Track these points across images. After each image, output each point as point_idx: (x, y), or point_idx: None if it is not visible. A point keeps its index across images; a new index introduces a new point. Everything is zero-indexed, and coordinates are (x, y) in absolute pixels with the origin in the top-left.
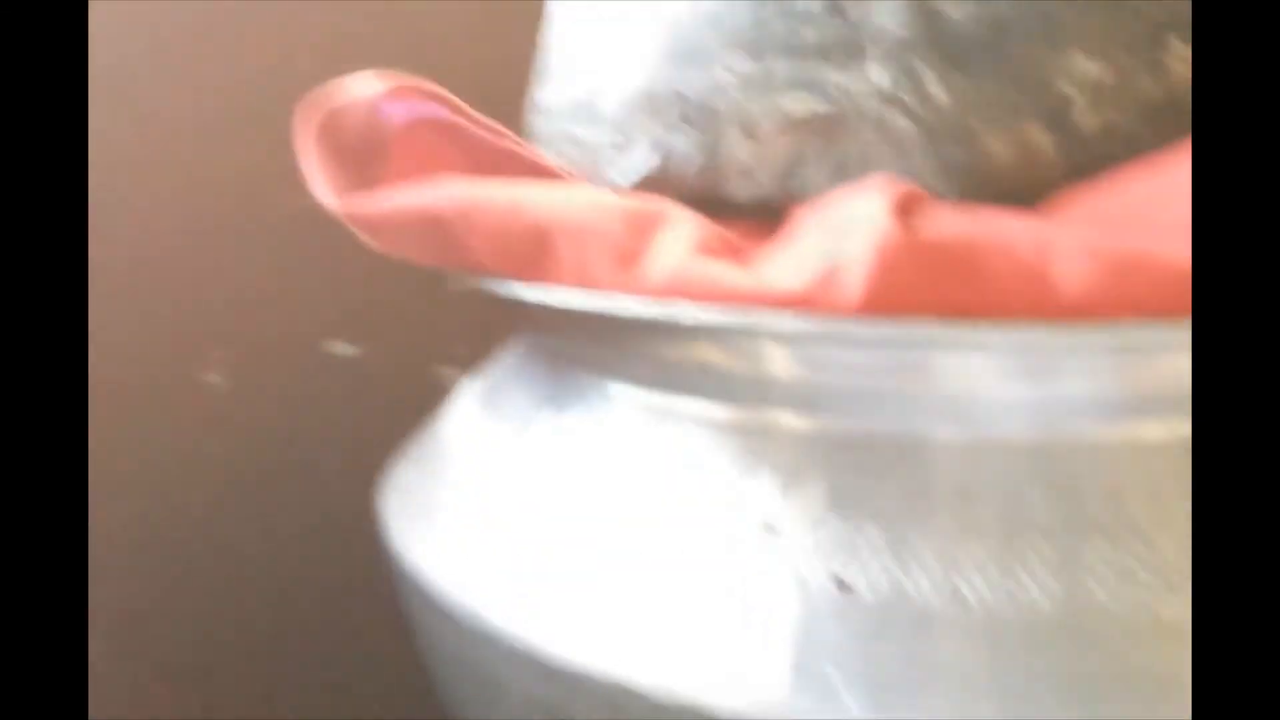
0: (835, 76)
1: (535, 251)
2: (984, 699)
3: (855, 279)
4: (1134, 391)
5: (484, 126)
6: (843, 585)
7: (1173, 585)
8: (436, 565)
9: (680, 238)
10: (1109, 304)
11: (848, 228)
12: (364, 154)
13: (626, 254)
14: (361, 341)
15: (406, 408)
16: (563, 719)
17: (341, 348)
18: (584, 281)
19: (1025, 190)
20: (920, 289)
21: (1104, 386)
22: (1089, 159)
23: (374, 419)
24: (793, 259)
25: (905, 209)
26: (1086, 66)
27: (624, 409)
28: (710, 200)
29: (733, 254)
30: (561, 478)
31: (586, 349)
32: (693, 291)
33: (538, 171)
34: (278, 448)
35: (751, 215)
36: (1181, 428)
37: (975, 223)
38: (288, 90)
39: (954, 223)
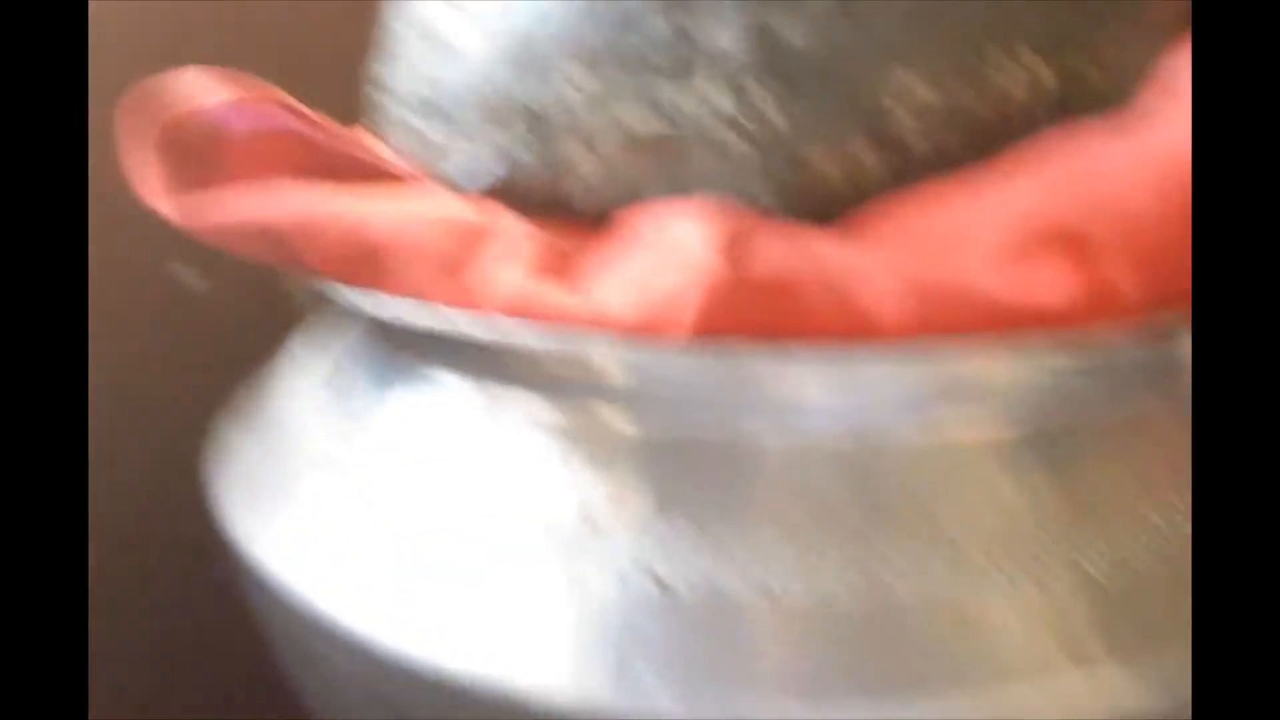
0: (676, 97)
1: (369, 265)
2: (791, 692)
3: (685, 311)
4: (937, 397)
5: (325, 130)
6: (661, 584)
7: (964, 575)
8: (270, 551)
9: (512, 254)
10: (918, 329)
11: (678, 255)
12: (203, 161)
13: (450, 268)
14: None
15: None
16: (401, 715)
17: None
18: (415, 295)
19: (851, 206)
20: (744, 320)
21: (909, 394)
22: (916, 178)
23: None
24: (625, 285)
25: (733, 236)
26: (914, 86)
27: (458, 400)
28: (554, 209)
29: (565, 269)
30: (396, 466)
31: (424, 341)
32: (527, 311)
33: (381, 176)
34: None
35: (594, 222)
36: (978, 430)
37: (797, 254)
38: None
39: (777, 255)
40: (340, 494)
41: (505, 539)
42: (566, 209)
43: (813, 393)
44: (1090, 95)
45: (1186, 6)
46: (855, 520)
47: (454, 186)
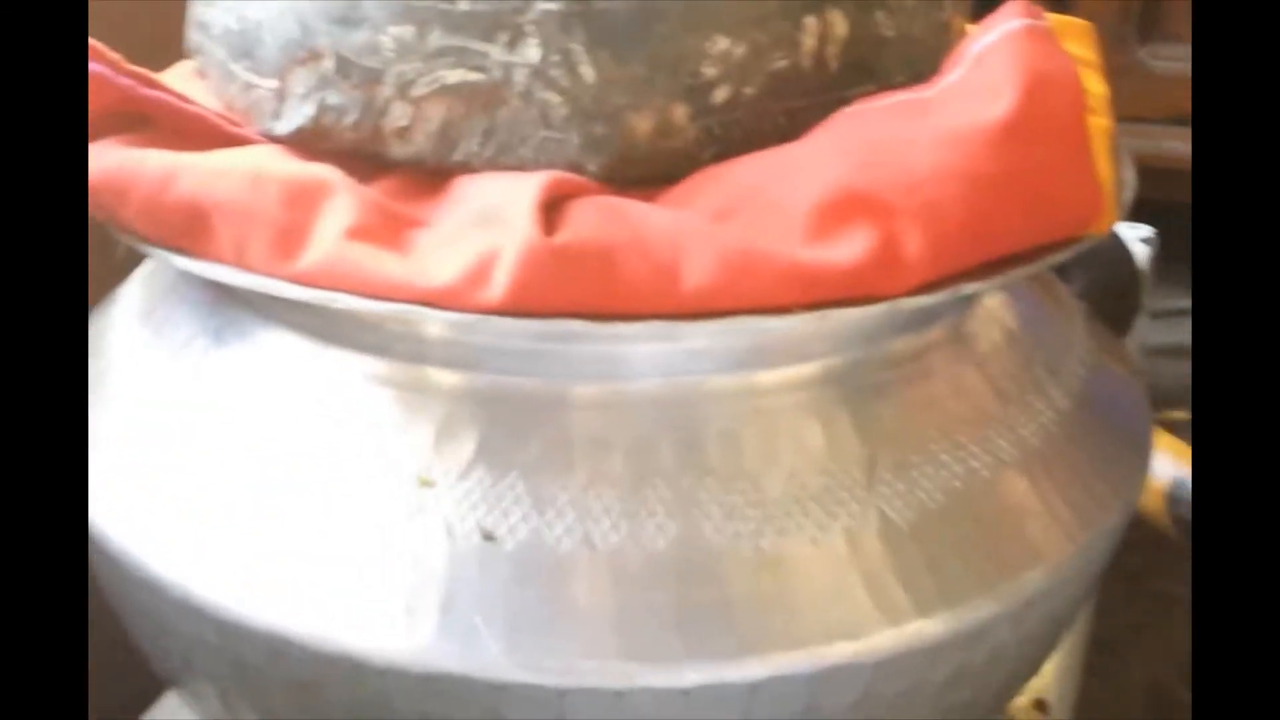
0: (488, 48)
1: (191, 226)
2: (609, 634)
3: (501, 279)
4: (745, 354)
5: (131, 74)
6: (487, 534)
7: (772, 519)
8: (95, 501)
9: (338, 218)
10: (729, 296)
11: (498, 223)
12: None
13: (286, 235)
14: None
15: None
16: (230, 660)
17: None
18: (242, 260)
19: (665, 164)
20: (561, 287)
21: (719, 353)
22: (722, 131)
23: None
24: (445, 252)
25: (553, 203)
26: (725, 46)
27: (283, 351)
28: (367, 156)
29: (390, 231)
30: (219, 417)
31: (251, 298)
32: (349, 279)
33: (192, 123)
34: None
35: (409, 171)
36: (784, 381)
37: (615, 222)
38: None
39: (595, 223)
40: (172, 448)
41: (334, 492)
42: (384, 158)
43: (627, 352)
44: (877, 41)
45: None
46: (671, 468)
47: (265, 126)
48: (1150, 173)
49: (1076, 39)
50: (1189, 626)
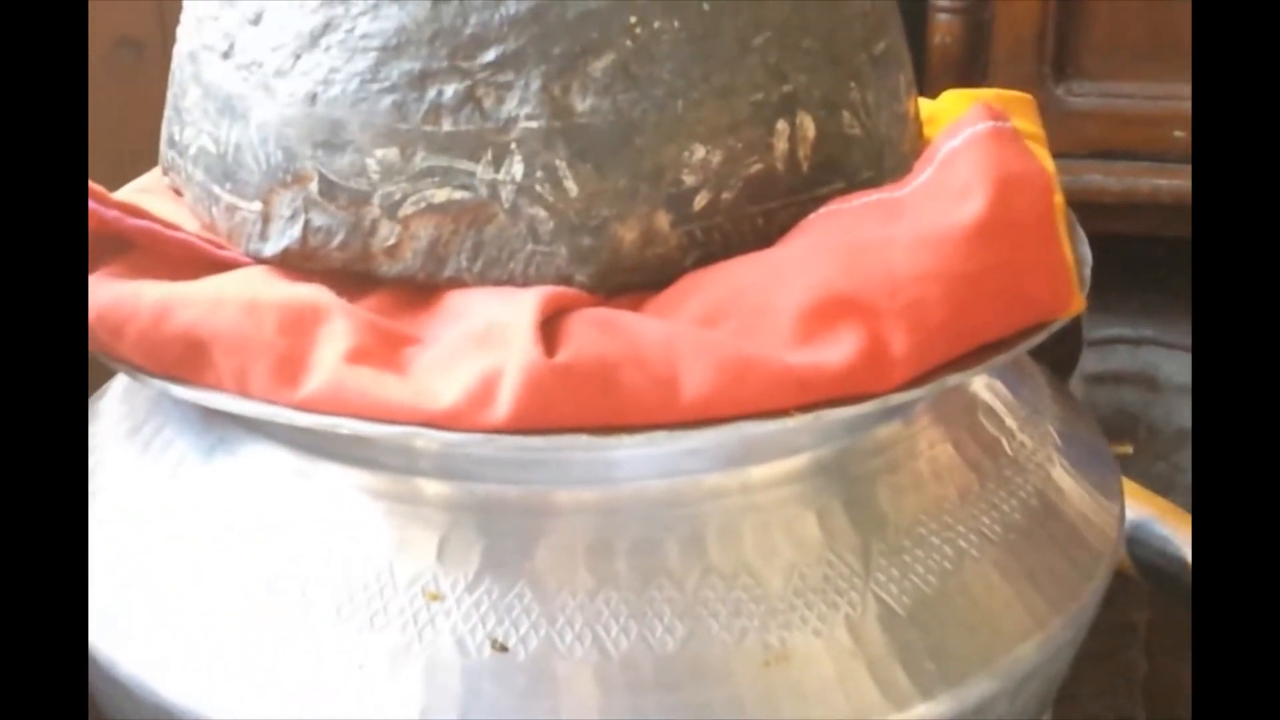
0: (473, 167)
1: (189, 356)
2: None
3: (505, 399)
4: (741, 456)
5: (116, 206)
6: (499, 646)
7: (776, 613)
8: (94, 624)
9: (336, 342)
10: (726, 402)
11: (498, 342)
12: None
13: (286, 362)
14: None
15: None
16: None
17: None
18: (244, 388)
19: (650, 271)
20: (563, 404)
21: (715, 456)
22: (704, 236)
23: None
24: (446, 372)
25: (551, 320)
26: (702, 155)
27: (275, 467)
28: (355, 274)
29: (387, 351)
30: (216, 537)
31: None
32: (350, 403)
33: (179, 250)
34: None
35: (397, 286)
36: (780, 466)
37: (612, 336)
38: None
39: (593, 339)
40: (171, 568)
41: (341, 609)
42: (372, 276)
43: (625, 456)
44: (844, 140)
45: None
46: (675, 568)
47: (251, 248)
48: (1073, 206)
49: (1022, 114)
50: (1147, 655)
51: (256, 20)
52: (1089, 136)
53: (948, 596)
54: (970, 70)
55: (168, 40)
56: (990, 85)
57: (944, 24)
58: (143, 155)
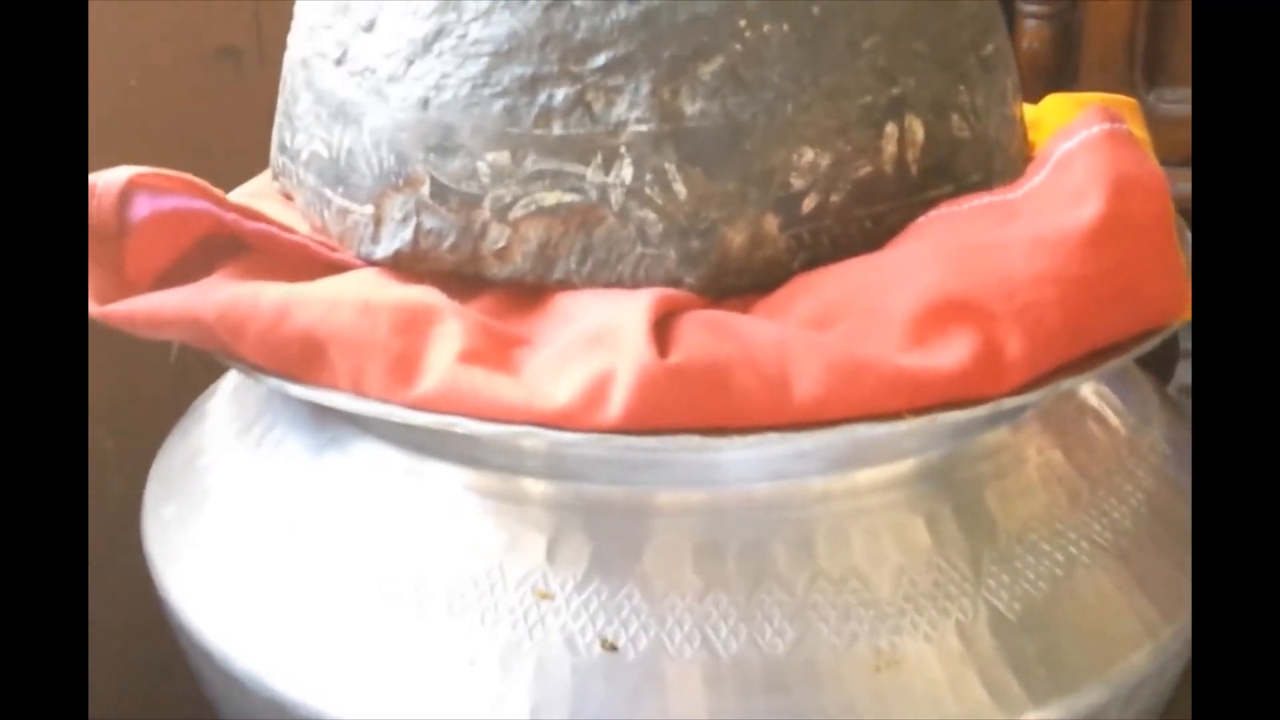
0: (583, 170)
1: (307, 356)
2: None
3: (618, 399)
4: (850, 459)
5: (235, 210)
6: (609, 645)
7: (886, 618)
8: (200, 612)
9: (449, 343)
10: (838, 404)
11: (610, 343)
12: (107, 244)
13: (400, 362)
14: None
15: None
16: None
17: None
18: (359, 388)
19: (758, 274)
20: (675, 406)
21: (825, 459)
22: (811, 239)
23: None
24: (559, 374)
25: (663, 321)
26: (811, 157)
27: (385, 465)
28: (465, 276)
29: (499, 352)
30: (331, 534)
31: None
32: (465, 403)
33: (294, 253)
34: None
35: (506, 289)
36: (889, 470)
37: (723, 338)
38: None
39: (705, 340)
40: (288, 566)
41: (452, 606)
42: (482, 278)
43: (734, 458)
44: (953, 143)
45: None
46: (784, 571)
47: (363, 251)
48: None
49: (1130, 118)
50: None
51: (370, 27)
52: (1180, 143)
53: (1059, 603)
54: (1060, 75)
55: (264, 47)
56: (1080, 90)
57: (1032, 29)
58: (246, 160)
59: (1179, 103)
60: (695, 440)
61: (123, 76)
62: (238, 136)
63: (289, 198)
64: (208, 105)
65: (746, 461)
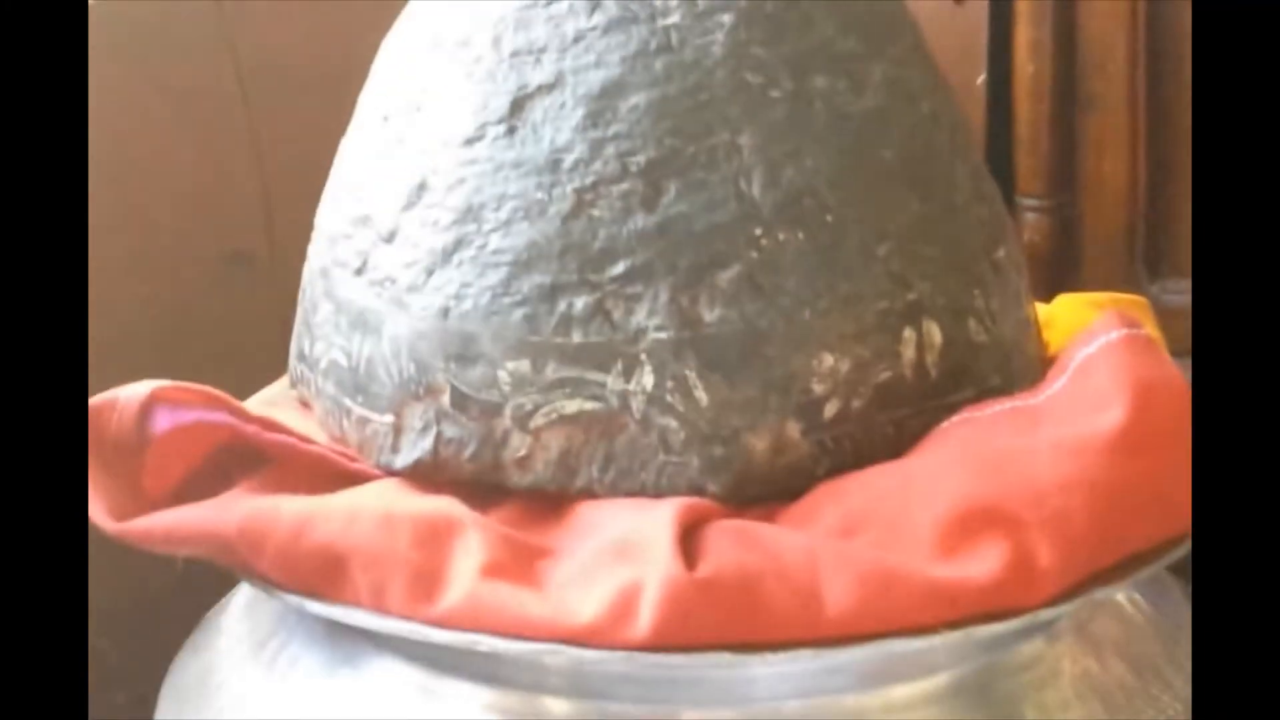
0: (604, 378)
1: (327, 571)
2: None
3: (646, 614)
4: (883, 661)
5: (255, 421)
6: None
7: None
8: None
9: (472, 556)
10: (870, 618)
11: (636, 556)
12: (127, 458)
13: (422, 577)
14: None
15: None
16: None
17: None
18: (380, 603)
19: (782, 481)
20: (705, 620)
21: (856, 672)
22: (834, 445)
23: None
24: (584, 588)
25: (689, 532)
26: (831, 363)
27: (400, 683)
28: (486, 485)
29: (522, 565)
30: None
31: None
32: (488, 619)
33: (314, 464)
34: None
35: (527, 498)
36: (922, 686)
37: (751, 549)
38: None
39: (734, 553)
40: None
41: None
42: (503, 487)
43: (763, 674)
44: (971, 346)
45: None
46: None
47: (383, 460)
48: None
49: (1144, 319)
50: None
51: (390, 238)
52: (1185, 335)
53: None
54: (1061, 268)
55: (275, 252)
56: (1083, 283)
57: (1031, 222)
58: (259, 366)
59: (1183, 294)
60: (726, 657)
61: (135, 281)
62: (250, 341)
63: (307, 405)
64: (219, 310)
65: (777, 678)
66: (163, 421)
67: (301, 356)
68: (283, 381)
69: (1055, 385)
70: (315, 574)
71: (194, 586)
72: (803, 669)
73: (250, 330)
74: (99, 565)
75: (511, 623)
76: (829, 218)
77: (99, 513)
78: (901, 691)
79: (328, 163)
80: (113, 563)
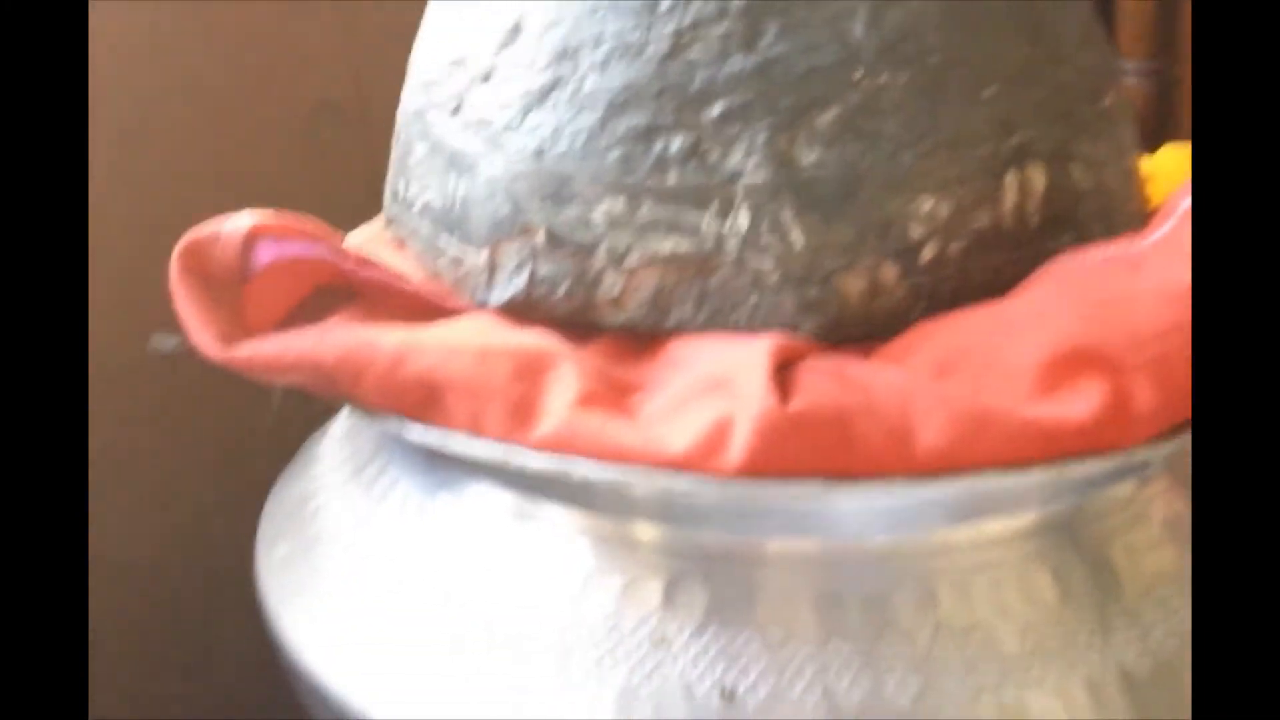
0: (699, 218)
1: (425, 400)
2: None
3: (739, 445)
4: (974, 510)
5: (353, 259)
6: (727, 694)
7: (1012, 673)
8: (313, 652)
9: (567, 388)
10: (962, 455)
11: (729, 389)
12: (230, 289)
13: (518, 407)
14: None
15: None
16: None
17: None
18: (478, 430)
19: (876, 323)
20: (796, 453)
21: (948, 510)
22: (930, 289)
23: None
24: (677, 419)
25: (782, 367)
26: (930, 206)
27: (496, 507)
28: (579, 323)
29: (616, 398)
30: (442, 575)
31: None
32: (583, 446)
33: (410, 301)
34: None
35: (620, 335)
36: (1013, 523)
37: (843, 385)
38: None
39: (824, 387)
40: (399, 606)
41: (567, 650)
42: (596, 325)
43: (854, 509)
44: (1074, 194)
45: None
46: (906, 623)
47: (478, 298)
48: None
49: None
50: None
51: (486, 79)
52: None
53: (1189, 661)
54: (1162, 134)
55: (363, 100)
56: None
57: (1132, 86)
58: (349, 210)
59: None
60: (816, 488)
61: (222, 133)
62: (337, 191)
63: (401, 245)
64: (307, 159)
65: (866, 512)
66: (265, 254)
67: (396, 197)
68: (378, 221)
69: (1159, 231)
70: (414, 403)
71: (287, 432)
72: (891, 504)
73: (337, 179)
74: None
75: (605, 450)
76: (933, 60)
77: (206, 340)
78: (990, 528)
79: (411, 10)
80: (209, 407)
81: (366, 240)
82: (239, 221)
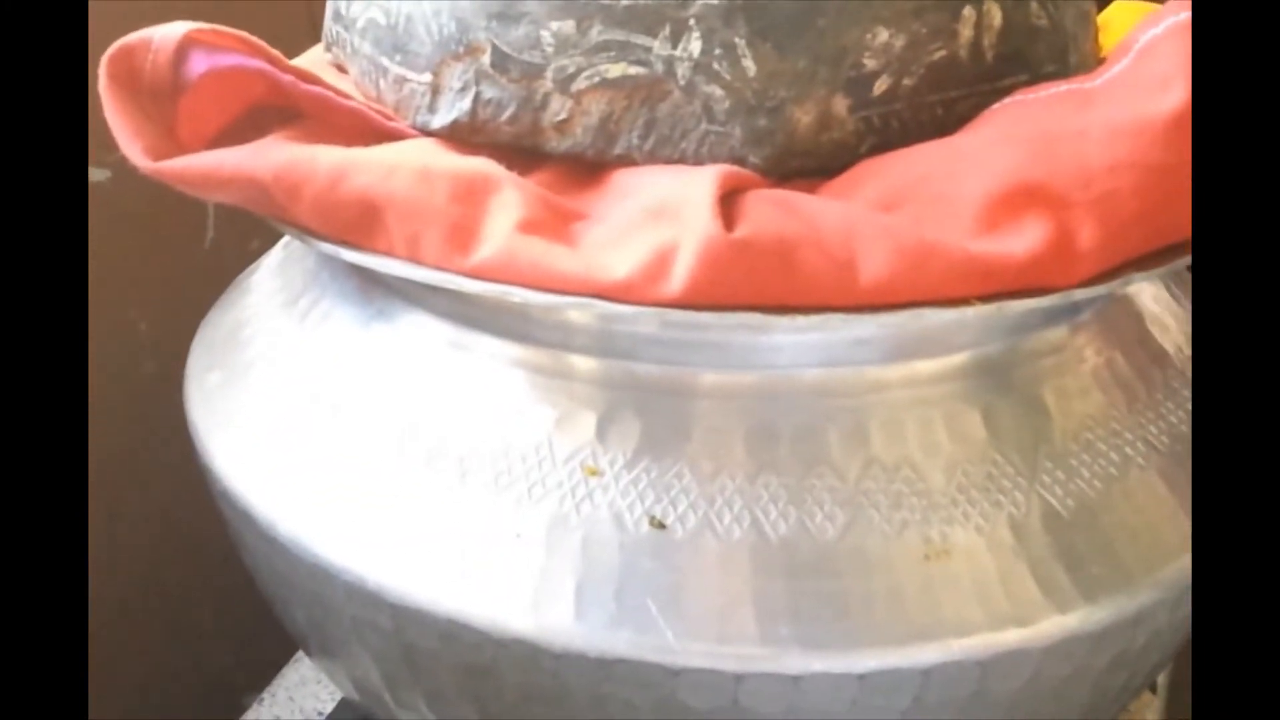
0: (650, 42)
1: (363, 219)
2: (784, 622)
3: (680, 272)
4: (908, 346)
5: (291, 71)
6: (657, 523)
7: (938, 508)
8: (244, 478)
9: (508, 212)
10: (905, 288)
11: (674, 217)
12: (162, 100)
13: (458, 230)
14: None
15: None
16: (401, 644)
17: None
18: (415, 255)
19: (825, 156)
20: (739, 281)
21: (882, 344)
22: (881, 123)
23: None
24: (620, 246)
25: (728, 197)
26: (885, 38)
27: (432, 337)
28: (524, 149)
29: (558, 224)
30: (378, 405)
31: (408, 286)
32: (522, 272)
33: (350, 118)
34: None
35: (565, 164)
36: (946, 362)
37: (790, 216)
38: None
39: (771, 217)
40: (333, 437)
41: (500, 479)
42: (540, 151)
43: (790, 341)
44: (1030, 31)
45: None
46: (836, 457)
47: (419, 120)
48: None
49: None
50: None
51: None
52: None
53: (1113, 503)
54: None
55: None
56: None
57: None
58: (291, 38)
59: None
60: (755, 318)
61: None
62: (279, 11)
63: (342, 70)
64: None
65: (803, 345)
66: (199, 65)
67: (338, 17)
68: (317, 48)
69: (1116, 68)
70: (351, 224)
71: (222, 261)
72: (828, 338)
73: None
74: (129, 243)
75: (544, 277)
76: None
77: (135, 151)
78: (924, 366)
79: None
80: (142, 240)
81: (308, 64)
82: (171, 29)
